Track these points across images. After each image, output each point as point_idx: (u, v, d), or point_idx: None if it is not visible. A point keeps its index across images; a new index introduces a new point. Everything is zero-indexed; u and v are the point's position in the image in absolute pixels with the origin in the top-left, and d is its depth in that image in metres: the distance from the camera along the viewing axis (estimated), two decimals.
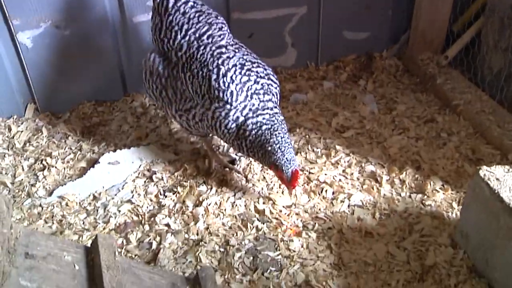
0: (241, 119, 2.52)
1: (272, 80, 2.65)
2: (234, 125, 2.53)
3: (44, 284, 1.57)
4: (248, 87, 2.54)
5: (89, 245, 1.90)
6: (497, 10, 3.31)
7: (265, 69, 2.66)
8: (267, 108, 2.55)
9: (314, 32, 3.84)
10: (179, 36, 2.66)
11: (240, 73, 2.54)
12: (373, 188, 2.79)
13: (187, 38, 2.66)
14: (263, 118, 2.52)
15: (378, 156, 3.03)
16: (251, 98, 2.53)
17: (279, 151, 2.46)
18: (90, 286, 1.69)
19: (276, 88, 2.67)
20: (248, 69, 2.57)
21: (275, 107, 2.59)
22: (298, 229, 2.56)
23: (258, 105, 2.54)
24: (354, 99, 3.60)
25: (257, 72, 2.60)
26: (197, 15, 2.70)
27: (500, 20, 3.29)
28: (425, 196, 2.72)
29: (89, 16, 3.28)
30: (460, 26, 3.71)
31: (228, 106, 2.51)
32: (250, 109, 2.52)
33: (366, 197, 2.75)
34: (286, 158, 2.46)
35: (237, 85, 2.51)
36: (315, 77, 3.90)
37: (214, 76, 2.52)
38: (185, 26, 2.67)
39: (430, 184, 2.77)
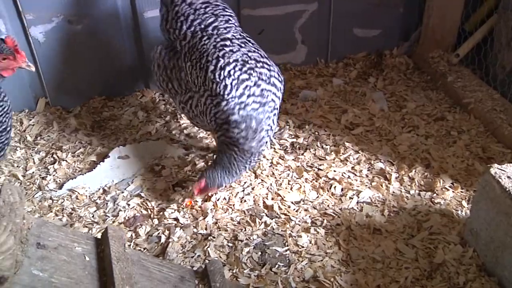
0: (229, 112, 2.45)
1: (274, 85, 2.53)
2: (223, 116, 2.48)
3: (56, 274, 1.58)
4: (246, 87, 2.44)
5: (99, 237, 1.92)
6: (510, 8, 3.28)
7: (270, 70, 2.54)
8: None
9: (324, 29, 3.83)
10: (184, 26, 2.65)
11: (240, 69, 2.45)
12: (382, 185, 2.79)
13: (192, 28, 2.63)
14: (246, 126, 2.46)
15: (388, 154, 3.02)
16: (247, 98, 2.45)
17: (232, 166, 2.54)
18: (100, 277, 1.70)
19: (276, 93, 2.54)
20: (250, 68, 2.48)
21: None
22: (193, 199, 2.66)
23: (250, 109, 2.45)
24: (364, 96, 3.59)
25: (260, 73, 2.49)
26: (203, 6, 2.68)
27: None
28: (434, 194, 2.71)
29: (100, 11, 3.30)
30: (472, 25, 3.69)
31: (220, 97, 2.45)
32: (239, 108, 2.44)
33: (375, 194, 2.74)
34: (226, 177, 2.57)
35: (233, 80, 2.43)
36: (324, 74, 3.89)
37: (211, 68, 2.46)
38: (191, 17, 2.64)
39: (440, 182, 2.76)
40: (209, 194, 2.68)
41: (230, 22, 2.68)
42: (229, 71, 2.44)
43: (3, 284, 1.37)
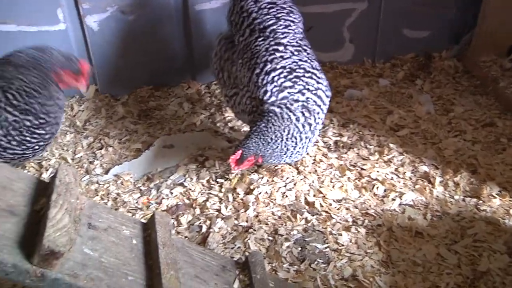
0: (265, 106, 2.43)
1: (320, 97, 2.47)
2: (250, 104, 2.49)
3: (105, 254, 1.64)
4: (290, 93, 2.42)
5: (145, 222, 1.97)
6: None
7: (318, 83, 2.48)
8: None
9: (373, 29, 3.80)
10: (245, 23, 2.66)
11: (285, 77, 2.43)
12: (425, 189, 2.75)
13: (252, 26, 2.64)
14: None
15: (432, 157, 2.97)
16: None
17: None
18: (146, 260, 1.75)
19: (321, 106, 2.48)
20: (297, 77, 2.44)
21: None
22: (148, 200, 2.69)
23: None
24: (410, 98, 3.54)
25: (306, 83, 2.44)
26: (268, 6, 2.66)
27: None
28: (480, 201, 2.65)
29: (153, 3, 3.37)
30: None
31: (259, 101, 2.45)
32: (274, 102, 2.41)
33: (417, 197, 2.70)
34: (262, 145, 2.41)
35: (275, 87, 2.42)
36: (371, 74, 3.86)
37: (257, 70, 2.46)
38: (253, 15, 2.65)
39: (486, 189, 2.70)
40: (247, 169, 2.58)
41: (290, 27, 2.62)
42: (273, 77, 2.43)
43: (58, 259, 1.43)
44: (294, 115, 2.42)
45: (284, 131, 2.42)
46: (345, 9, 3.66)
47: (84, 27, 3.34)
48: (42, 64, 2.37)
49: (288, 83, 2.43)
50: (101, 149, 3.13)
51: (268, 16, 2.63)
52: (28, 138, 2.38)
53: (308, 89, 2.44)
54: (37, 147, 2.47)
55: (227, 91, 2.73)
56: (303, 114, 2.43)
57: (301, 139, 2.48)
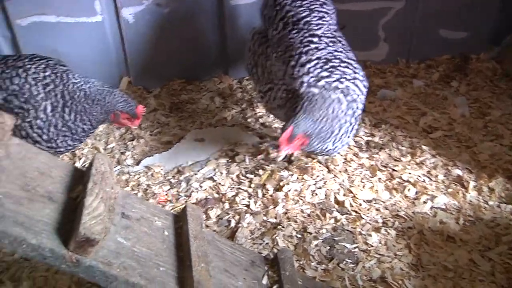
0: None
1: (357, 86, 2.41)
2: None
3: (138, 244, 1.65)
4: (327, 83, 2.36)
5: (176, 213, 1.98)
6: None
7: (355, 72, 2.44)
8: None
9: (409, 28, 3.73)
10: (278, 16, 2.65)
11: (321, 67, 2.39)
12: (458, 193, 2.69)
13: (285, 19, 2.63)
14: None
15: (466, 161, 2.91)
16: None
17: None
18: (177, 252, 1.75)
19: (359, 95, 2.42)
20: (333, 66, 2.40)
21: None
22: (166, 198, 2.66)
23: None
24: (445, 100, 3.47)
25: (343, 72, 2.40)
26: None
27: None
28: None
29: None
30: None
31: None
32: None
33: (450, 201, 2.65)
34: (311, 122, 2.31)
35: (311, 77, 2.37)
36: (405, 74, 3.80)
37: (292, 63, 2.44)
38: (287, 8, 2.64)
39: None
40: (294, 152, 2.51)
41: (324, 19, 2.60)
42: (308, 68, 2.39)
43: (93, 246, 1.45)
44: (335, 94, 2.34)
45: (328, 109, 2.33)
46: (381, 7, 3.61)
47: (120, 19, 3.38)
48: (106, 104, 2.48)
49: (325, 73, 2.38)
50: (132, 140, 3.17)
51: (302, 8, 2.62)
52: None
53: (345, 78, 2.38)
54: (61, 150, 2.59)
55: (261, 86, 2.72)
56: (345, 96, 2.36)
57: (345, 121, 2.39)
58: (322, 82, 2.36)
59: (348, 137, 2.48)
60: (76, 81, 2.46)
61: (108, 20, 3.38)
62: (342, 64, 2.43)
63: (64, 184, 1.67)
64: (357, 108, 2.43)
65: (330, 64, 2.40)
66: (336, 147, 2.46)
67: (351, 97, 2.38)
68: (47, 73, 2.44)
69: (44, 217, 1.48)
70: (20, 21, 3.21)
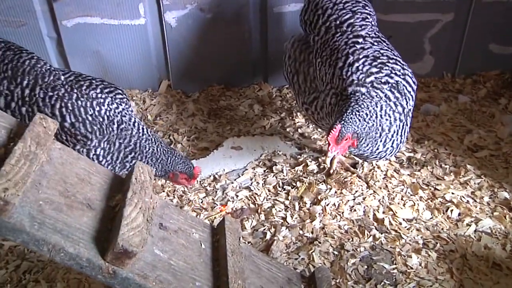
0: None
1: (408, 82, 2.38)
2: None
3: (174, 257, 1.62)
4: (376, 78, 2.31)
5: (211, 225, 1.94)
6: None
7: (404, 69, 2.40)
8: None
9: (457, 42, 3.62)
10: (320, 21, 2.62)
11: (369, 64, 2.35)
12: (505, 217, 2.57)
13: (327, 23, 2.59)
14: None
15: None
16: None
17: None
18: (213, 266, 1.72)
19: (410, 92, 2.39)
20: (382, 63, 2.36)
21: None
22: (225, 208, 2.62)
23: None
24: (492, 118, 3.34)
25: (392, 68, 2.36)
26: (343, 1, 2.62)
27: None
28: None
29: (232, 3, 3.36)
30: None
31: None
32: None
33: (496, 225, 2.53)
34: (359, 121, 2.23)
35: (361, 74, 2.33)
36: (450, 89, 3.68)
37: (340, 64, 2.39)
38: (328, 11, 2.61)
39: None
40: (342, 154, 2.40)
41: (367, 20, 2.60)
42: (357, 67, 2.36)
43: (131, 258, 1.42)
44: (382, 92, 2.30)
45: (376, 107, 2.27)
46: (428, 19, 3.50)
47: (163, 23, 3.38)
48: (168, 164, 2.55)
49: (374, 69, 2.34)
50: (170, 145, 3.16)
51: (344, 11, 2.60)
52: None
53: (395, 74, 2.35)
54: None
55: (305, 98, 2.66)
56: (393, 93, 2.32)
57: (395, 119, 2.32)
58: (371, 78, 2.32)
59: (401, 137, 2.41)
60: (149, 137, 2.51)
61: (150, 23, 3.39)
62: (391, 61, 2.40)
63: (103, 191, 1.65)
64: (407, 104, 2.37)
65: (379, 60, 2.39)
66: (387, 149, 2.39)
67: (400, 93, 2.33)
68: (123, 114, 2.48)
69: (82, 225, 1.46)
70: (66, 22, 3.25)
